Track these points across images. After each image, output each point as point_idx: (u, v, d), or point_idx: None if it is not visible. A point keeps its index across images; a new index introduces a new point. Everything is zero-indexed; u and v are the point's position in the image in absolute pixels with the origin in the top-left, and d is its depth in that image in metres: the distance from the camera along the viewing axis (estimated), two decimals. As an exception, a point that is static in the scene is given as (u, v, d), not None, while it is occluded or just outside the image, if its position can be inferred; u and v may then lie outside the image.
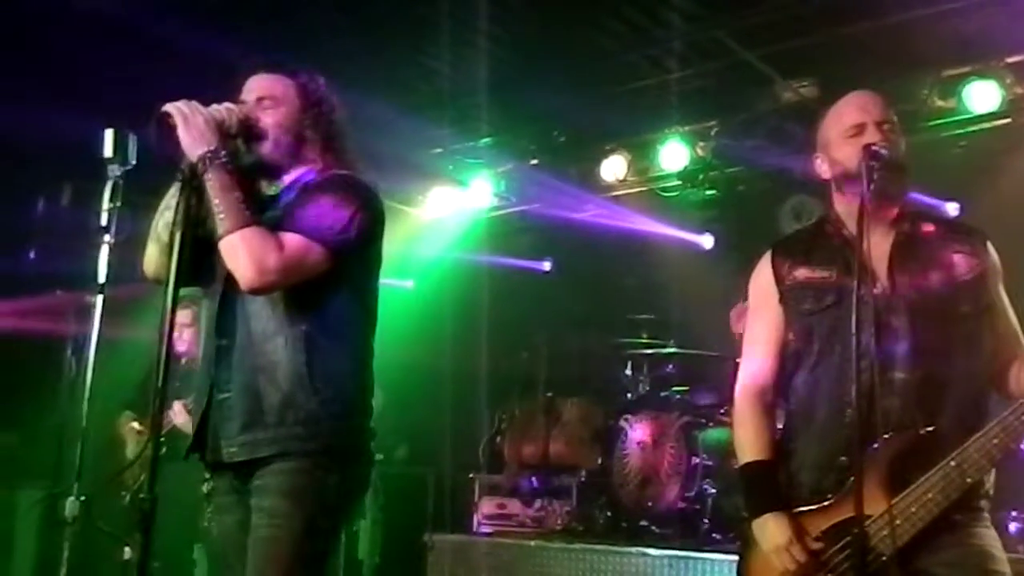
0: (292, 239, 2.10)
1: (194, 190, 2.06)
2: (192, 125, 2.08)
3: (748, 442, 2.24)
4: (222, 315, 2.22)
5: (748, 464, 2.23)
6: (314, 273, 2.13)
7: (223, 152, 2.10)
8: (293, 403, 2.13)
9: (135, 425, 4.85)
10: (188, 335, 4.42)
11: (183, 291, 2.00)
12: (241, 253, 2.07)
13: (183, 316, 4.52)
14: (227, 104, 2.20)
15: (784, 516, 2.11)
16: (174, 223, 2.01)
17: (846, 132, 2.18)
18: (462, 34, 5.37)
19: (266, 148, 2.24)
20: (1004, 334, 2.17)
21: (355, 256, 2.22)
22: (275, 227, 2.14)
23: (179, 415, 4.34)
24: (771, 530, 2.11)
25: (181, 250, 1.97)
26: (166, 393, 1.90)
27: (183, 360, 4.55)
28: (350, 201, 2.20)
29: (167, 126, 2.08)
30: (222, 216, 2.07)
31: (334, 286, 2.19)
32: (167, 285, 1.95)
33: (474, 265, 7.28)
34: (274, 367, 2.14)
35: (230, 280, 2.16)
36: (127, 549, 1.85)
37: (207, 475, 2.30)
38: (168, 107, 2.10)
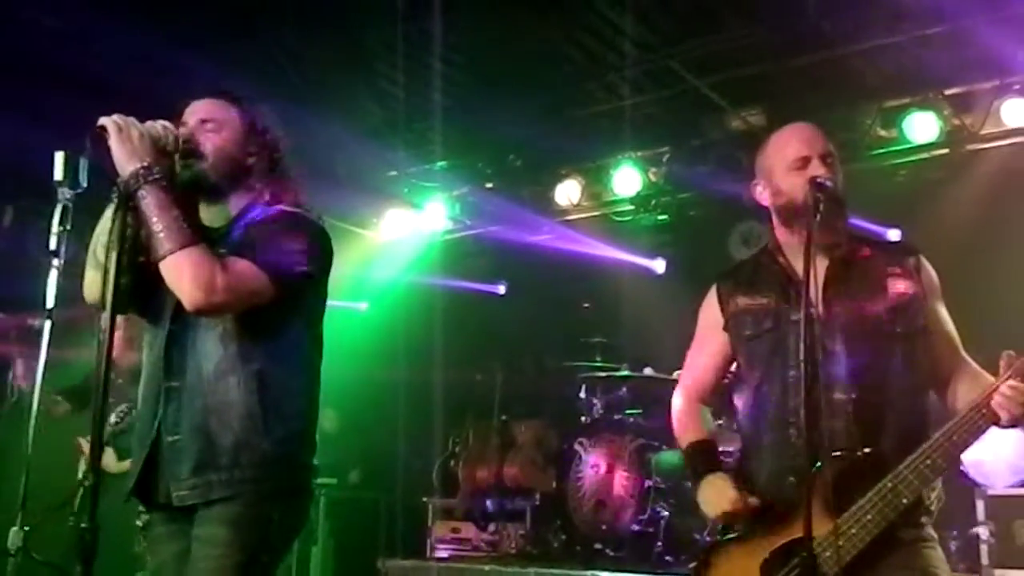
0: (239, 263, 2.05)
1: (131, 209, 1.98)
2: (125, 139, 2.00)
3: (687, 428, 2.38)
4: (169, 355, 2.15)
5: (689, 444, 2.36)
6: (258, 303, 2.08)
7: (157, 169, 2.01)
8: (247, 445, 2.08)
9: (82, 441, 4.72)
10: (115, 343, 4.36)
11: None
12: (185, 273, 1.99)
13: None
14: (163, 122, 2.13)
15: (727, 476, 2.22)
16: (109, 245, 1.92)
17: (791, 164, 2.24)
18: (418, 58, 5.40)
19: (206, 170, 2.19)
20: (943, 350, 2.23)
21: (305, 292, 2.19)
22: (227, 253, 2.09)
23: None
24: (719, 486, 2.20)
25: (118, 273, 1.88)
26: (106, 417, 1.84)
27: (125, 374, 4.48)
28: (299, 238, 2.16)
29: (102, 141, 2.01)
30: (162, 235, 1.98)
31: (287, 322, 2.16)
32: (104, 310, 1.87)
33: (429, 288, 7.26)
34: (227, 408, 2.09)
35: (178, 319, 2.11)
36: (66, 581, 1.80)
37: (142, 508, 2.23)
38: (103, 120, 2.03)
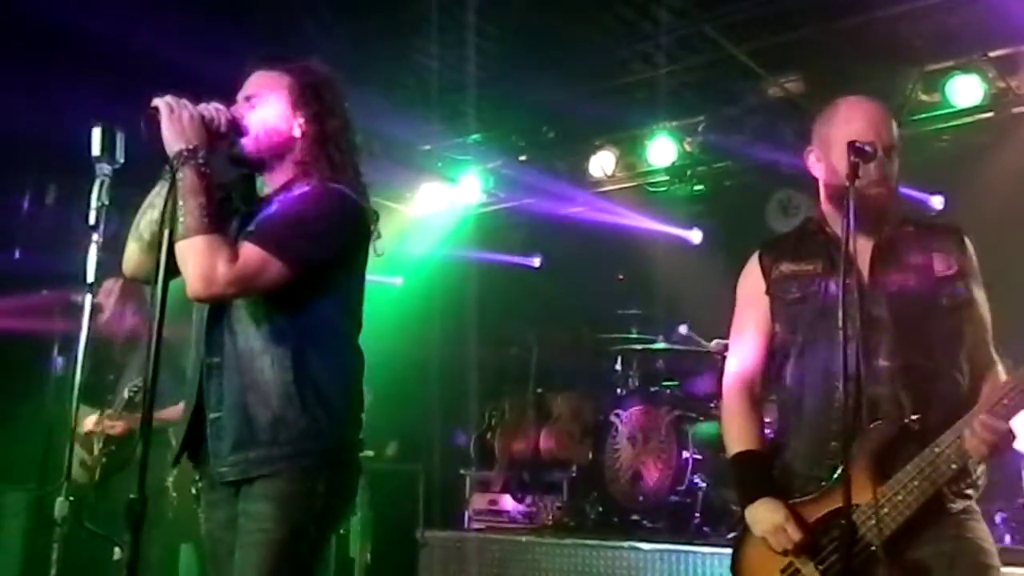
0: (249, 252, 2.05)
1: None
2: (176, 120, 2.05)
3: (737, 434, 2.28)
4: (211, 331, 2.19)
5: (738, 454, 2.26)
6: (274, 287, 2.09)
7: (201, 152, 2.06)
8: (284, 422, 2.11)
9: (92, 418, 4.78)
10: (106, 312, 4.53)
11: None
12: (191, 261, 2.03)
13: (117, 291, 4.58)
14: (217, 103, 2.17)
15: (777, 500, 2.14)
16: (160, 221, 1.99)
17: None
18: (451, 30, 5.36)
19: (245, 144, 2.21)
20: (977, 335, 2.18)
21: (332, 272, 2.19)
22: (248, 235, 2.11)
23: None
24: (764, 513, 2.13)
25: (169, 249, 1.95)
26: (155, 392, 1.87)
27: (123, 340, 4.57)
28: (321, 219, 2.15)
29: (155, 120, 2.06)
30: (181, 219, 2.03)
31: (317, 302, 2.17)
32: (155, 285, 1.92)
33: (463, 261, 7.27)
34: (263, 386, 2.12)
35: None
36: (117, 550, 1.84)
37: (196, 476, 2.29)
38: (156, 101, 2.08)
